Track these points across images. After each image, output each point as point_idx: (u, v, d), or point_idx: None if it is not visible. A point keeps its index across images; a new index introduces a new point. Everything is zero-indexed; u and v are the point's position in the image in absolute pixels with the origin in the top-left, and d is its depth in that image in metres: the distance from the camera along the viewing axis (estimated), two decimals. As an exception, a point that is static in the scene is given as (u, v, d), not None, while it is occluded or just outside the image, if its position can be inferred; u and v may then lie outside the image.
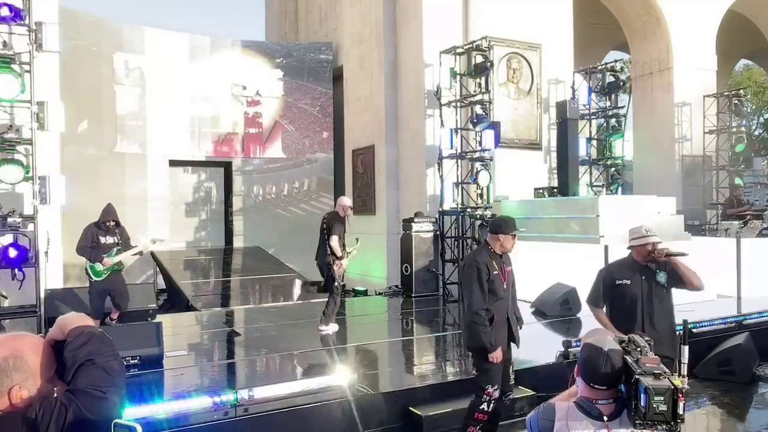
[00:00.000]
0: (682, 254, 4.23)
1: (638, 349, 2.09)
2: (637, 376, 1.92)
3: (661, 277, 4.14)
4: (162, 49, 13.82)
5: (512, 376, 4.48)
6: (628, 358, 2.05)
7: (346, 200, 7.77)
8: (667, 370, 1.95)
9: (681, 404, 1.85)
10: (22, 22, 7.44)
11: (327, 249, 7.39)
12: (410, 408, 5.15)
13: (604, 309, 4.32)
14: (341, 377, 5.13)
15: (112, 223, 7.34)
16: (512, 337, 4.41)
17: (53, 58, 8.30)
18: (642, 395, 1.87)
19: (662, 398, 1.83)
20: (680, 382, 1.90)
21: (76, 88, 11.38)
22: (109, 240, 7.28)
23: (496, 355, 4.19)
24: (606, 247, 8.47)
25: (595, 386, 2.08)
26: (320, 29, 16.89)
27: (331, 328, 7.65)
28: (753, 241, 10.24)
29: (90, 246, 7.20)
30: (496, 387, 4.25)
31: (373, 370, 6.13)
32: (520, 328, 4.53)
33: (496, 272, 4.26)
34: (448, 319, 9.54)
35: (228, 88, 14.68)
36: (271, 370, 6.31)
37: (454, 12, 11.64)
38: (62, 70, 8.98)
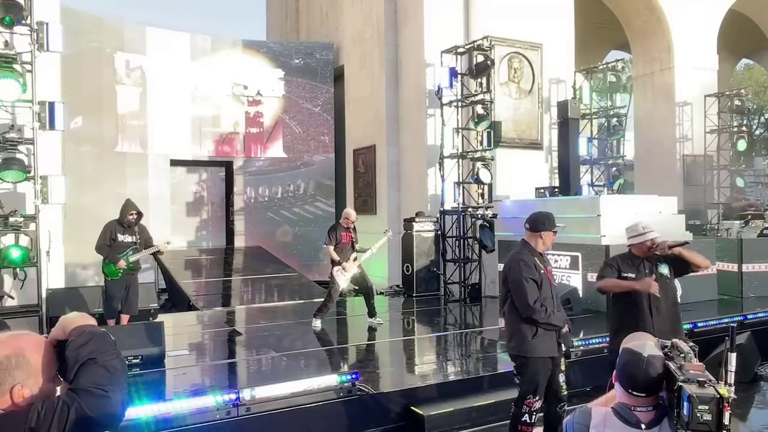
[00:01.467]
0: (685, 243, 4.34)
1: (681, 355, 2.01)
2: (680, 384, 1.85)
3: (664, 268, 4.24)
4: (163, 49, 13.81)
5: (563, 385, 4.14)
6: (671, 365, 1.97)
7: (347, 212, 8.27)
8: (712, 378, 1.88)
9: (727, 414, 1.78)
10: (24, 22, 7.45)
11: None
12: (412, 407, 5.15)
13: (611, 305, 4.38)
14: (342, 377, 5.13)
15: (134, 216, 7.25)
16: (559, 343, 4.09)
17: (55, 57, 8.30)
18: (685, 403, 1.79)
19: (707, 407, 1.76)
20: (726, 391, 1.83)
21: (77, 88, 11.38)
22: (128, 239, 7.19)
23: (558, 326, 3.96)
24: (607, 247, 8.47)
25: (634, 393, 2.00)
26: (321, 29, 16.89)
27: (316, 323, 7.87)
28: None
29: (107, 244, 7.14)
30: (537, 398, 4.01)
31: (374, 370, 6.13)
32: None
33: (543, 271, 4.06)
34: (449, 318, 9.55)
35: (229, 87, 14.67)
36: (272, 369, 6.31)
37: (455, 11, 11.63)
38: (63, 70, 8.99)
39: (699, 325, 7.33)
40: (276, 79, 15.14)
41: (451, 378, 5.86)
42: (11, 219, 7.46)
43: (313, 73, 15.35)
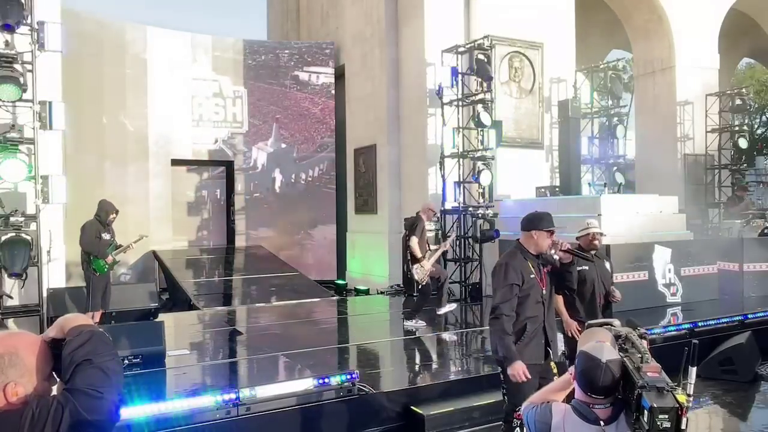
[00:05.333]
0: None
1: (639, 355, 2.05)
2: (640, 391, 1.90)
3: (608, 266, 4.99)
4: (164, 49, 13.82)
5: None
6: (628, 364, 2.01)
7: (429, 204, 8.16)
8: (669, 381, 1.92)
9: (684, 420, 1.85)
10: (24, 22, 7.45)
11: (408, 251, 7.78)
12: (412, 407, 5.15)
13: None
14: (342, 377, 5.13)
15: (115, 216, 7.46)
16: (548, 351, 3.89)
17: (55, 57, 8.30)
18: (646, 412, 1.86)
19: (666, 416, 1.84)
20: (685, 399, 1.89)
21: (77, 88, 11.38)
22: (107, 237, 7.41)
23: (515, 371, 3.61)
24: (608, 247, 8.46)
25: (593, 396, 2.06)
26: (322, 28, 16.89)
27: (415, 323, 7.90)
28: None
29: (94, 242, 7.27)
30: None
31: (374, 369, 6.14)
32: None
33: (533, 276, 3.80)
34: (450, 318, 9.53)
35: (230, 87, 14.68)
36: (273, 369, 6.32)
37: (455, 11, 11.63)
38: (64, 70, 8.99)
39: (699, 324, 7.32)
40: (276, 79, 15.15)
41: (452, 378, 5.86)
42: (12, 219, 7.47)
43: (314, 72, 15.34)
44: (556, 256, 3.91)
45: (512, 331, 3.73)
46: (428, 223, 8.01)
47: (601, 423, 2.05)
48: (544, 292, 3.85)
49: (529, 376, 3.64)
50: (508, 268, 3.80)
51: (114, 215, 7.46)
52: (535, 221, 3.89)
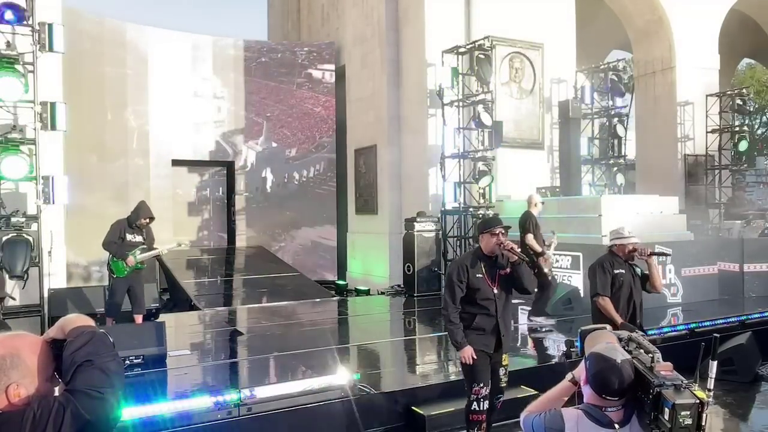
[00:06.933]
0: (665, 254, 5.02)
1: (650, 355, 2.04)
2: (659, 390, 1.90)
3: (638, 270, 4.94)
4: (164, 49, 13.83)
5: (504, 379, 4.35)
6: (639, 365, 2.00)
7: (535, 197, 8.06)
8: (683, 378, 1.92)
9: (704, 416, 1.87)
10: (25, 22, 7.47)
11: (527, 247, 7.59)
12: (412, 407, 5.16)
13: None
14: (343, 377, 5.14)
15: (147, 221, 7.26)
16: (499, 343, 4.25)
17: (57, 58, 8.32)
18: (667, 410, 1.86)
19: (688, 413, 1.85)
20: (705, 395, 1.89)
21: (79, 88, 11.39)
22: (136, 238, 7.19)
23: (464, 354, 4.14)
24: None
25: (608, 398, 2.04)
26: (322, 29, 16.90)
27: (542, 320, 7.82)
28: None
29: (116, 242, 7.12)
30: (482, 384, 4.18)
31: (375, 370, 6.14)
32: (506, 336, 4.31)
33: (480, 276, 4.18)
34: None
35: (230, 87, 14.70)
36: (273, 369, 6.33)
37: (456, 11, 11.64)
38: (65, 70, 9.00)
39: (700, 324, 7.33)
40: (277, 79, 15.15)
41: (452, 378, 5.85)
42: (13, 219, 7.48)
43: (314, 73, 15.35)
44: (504, 253, 4.22)
45: (458, 321, 4.20)
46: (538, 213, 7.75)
47: (616, 426, 2.02)
48: (495, 291, 4.21)
49: (476, 358, 4.14)
50: (454, 267, 4.34)
51: (145, 221, 7.21)
52: (482, 224, 4.36)
